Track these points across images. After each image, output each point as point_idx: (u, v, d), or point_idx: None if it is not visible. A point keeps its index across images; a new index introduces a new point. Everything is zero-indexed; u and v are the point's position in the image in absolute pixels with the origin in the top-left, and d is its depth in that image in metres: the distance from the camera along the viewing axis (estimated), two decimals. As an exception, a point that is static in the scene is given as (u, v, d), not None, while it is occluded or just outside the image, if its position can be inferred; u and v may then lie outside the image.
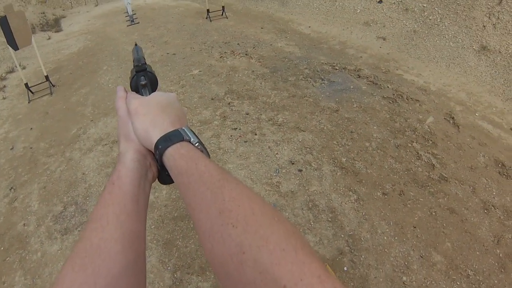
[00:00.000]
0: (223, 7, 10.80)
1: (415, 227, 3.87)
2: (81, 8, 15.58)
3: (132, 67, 0.90)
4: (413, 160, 4.75)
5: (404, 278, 3.38)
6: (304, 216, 3.98)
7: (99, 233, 0.57)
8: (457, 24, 7.72)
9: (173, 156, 0.63)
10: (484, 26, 7.36)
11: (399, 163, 4.69)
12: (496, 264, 3.53)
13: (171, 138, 0.65)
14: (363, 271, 3.43)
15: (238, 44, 8.61)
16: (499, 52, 6.91)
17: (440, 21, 7.99)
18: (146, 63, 0.89)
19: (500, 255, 3.61)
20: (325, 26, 9.55)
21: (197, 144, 0.67)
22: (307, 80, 6.71)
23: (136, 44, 0.99)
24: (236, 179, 0.56)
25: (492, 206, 4.14)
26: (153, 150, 0.68)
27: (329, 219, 3.94)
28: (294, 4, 10.94)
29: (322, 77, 6.79)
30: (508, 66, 6.64)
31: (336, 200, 4.19)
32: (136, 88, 0.85)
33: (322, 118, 5.56)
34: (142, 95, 0.82)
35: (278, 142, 5.09)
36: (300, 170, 4.61)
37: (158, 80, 0.89)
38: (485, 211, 4.08)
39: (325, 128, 5.34)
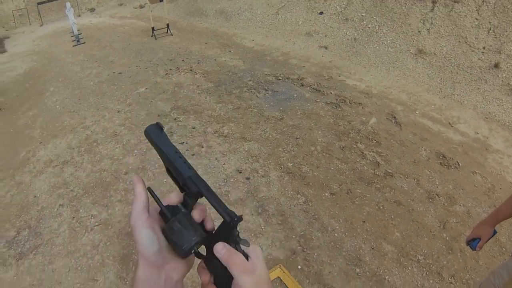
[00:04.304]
0: (167, 24, 10.81)
1: (364, 221, 3.92)
2: (25, 28, 15.15)
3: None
4: (358, 160, 4.83)
5: (358, 270, 3.42)
6: (254, 222, 3.93)
7: None
8: (394, 31, 8.05)
9: None
10: (419, 31, 7.72)
11: (345, 164, 4.76)
12: (444, 247, 3.67)
13: None
14: (317, 267, 3.42)
15: (183, 60, 8.58)
16: (434, 54, 7.25)
17: (378, 29, 8.30)
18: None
19: (447, 238, 3.76)
20: (268, 38, 9.72)
21: None
22: (251, 91, 6.75)
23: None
24: None
25: (436, 194, 4.30)
26: None
27: (279, 222, 3.92)
28: (238, 18, 11.11)
29: (266, 87, 6.85)
30: (443, 66, 6.97)
31: (285, 203, 4.18)
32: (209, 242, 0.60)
33: (267, 127, 5.59)
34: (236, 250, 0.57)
35: (225, 153, 5.05)
36: (247, 178, 4.58)
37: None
38: (430, 200, 4.24)
39: (270, 136, 5.37)
